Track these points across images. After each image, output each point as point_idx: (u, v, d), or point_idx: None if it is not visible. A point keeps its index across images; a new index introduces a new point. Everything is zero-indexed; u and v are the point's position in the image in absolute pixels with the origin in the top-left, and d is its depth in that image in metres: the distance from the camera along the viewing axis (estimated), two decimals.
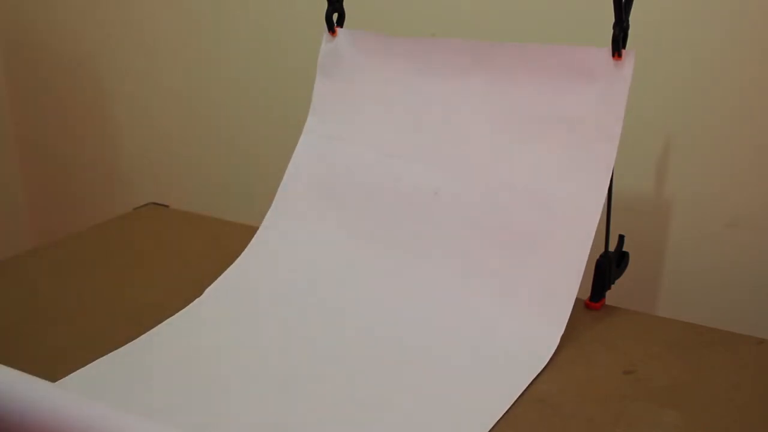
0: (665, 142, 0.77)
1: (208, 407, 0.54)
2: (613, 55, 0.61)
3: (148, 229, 0.85)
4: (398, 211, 0.69)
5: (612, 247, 0.66)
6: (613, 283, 0.67)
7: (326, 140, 0.74)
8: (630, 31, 0.61)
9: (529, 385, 0.56)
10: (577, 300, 0.61)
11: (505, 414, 0.53)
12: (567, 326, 0.60)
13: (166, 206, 0.91)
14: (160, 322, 0.64)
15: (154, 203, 0.91)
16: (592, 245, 0.61)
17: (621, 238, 0.68)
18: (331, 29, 0.74)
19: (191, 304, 0.67)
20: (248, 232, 0.74)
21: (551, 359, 0.58)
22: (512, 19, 0.81)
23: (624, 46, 0.61)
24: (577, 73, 0.63)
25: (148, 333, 0.63)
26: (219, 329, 0.64)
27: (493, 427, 0.52)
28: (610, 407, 0.54)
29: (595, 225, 0.61)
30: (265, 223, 0.74)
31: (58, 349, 0.62)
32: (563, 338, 0.60)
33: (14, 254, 0.80)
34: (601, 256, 0.65)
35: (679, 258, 0.79)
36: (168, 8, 1.05)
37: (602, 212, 0.62)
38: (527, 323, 0.61)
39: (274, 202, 0.75)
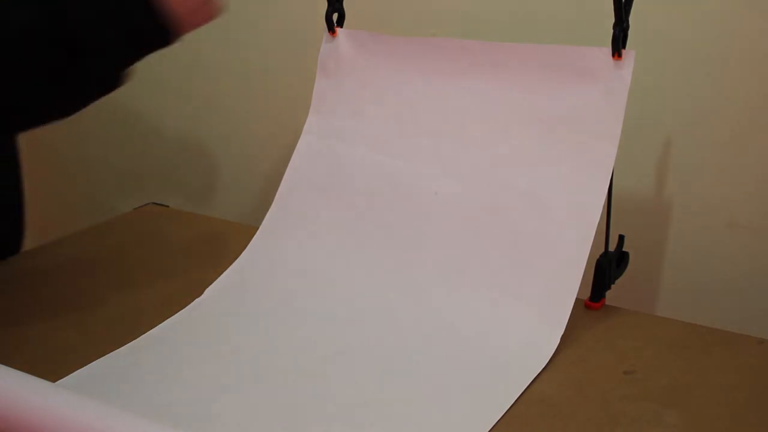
0: (665, 142, 0.76)
1: (207, 407, 0.54)
2: (613, 55, 0.61)
3: (148, 229, 0.85)
4: (398, 212, 0.69)
5: (612, 247, 0.66)
6: (613, 283, 0.67)
7: (326, 140, 0.74)
8: (630, 31, 0.61)
9: (529, 385, 0.56)
10: (577, 300, 0.61)
11: (505, 414, 0.53)
12: (567, 326, 0.60)
13: (166, 206, 0.91)
14: (159, 322, 0.65)
15: (154, 203, 0.91)
16: (592, 245, 0.61)
17: (621, 238, 0.68)
18: (331, 29, 0.74)
19: (191, 304, 0.67)
20: (248, 232, 0.74)
21: (551, 359, 0.58)
22: (512, 19, 0.81)
23: (624, 46, 0.61)
24: (577, 73, 0.63)
25: (147, 333, 0.63)
26: (218, 329, 0.64)
27: (493, 427, 0.52)
28: (610, 407, 0.54)
29: (595, 225, 0.61)
30: (265, 223, 0.74)
31: (58, 349, 0.62)
32: (563, 338, 0.60)
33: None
34: (601, 256, 0.65)
35: (679, 258, 0.79)
36: None
37: (602, 212, 0.62)
38: (527, 323, 0.61)
39: (274, 202, 0.75)
